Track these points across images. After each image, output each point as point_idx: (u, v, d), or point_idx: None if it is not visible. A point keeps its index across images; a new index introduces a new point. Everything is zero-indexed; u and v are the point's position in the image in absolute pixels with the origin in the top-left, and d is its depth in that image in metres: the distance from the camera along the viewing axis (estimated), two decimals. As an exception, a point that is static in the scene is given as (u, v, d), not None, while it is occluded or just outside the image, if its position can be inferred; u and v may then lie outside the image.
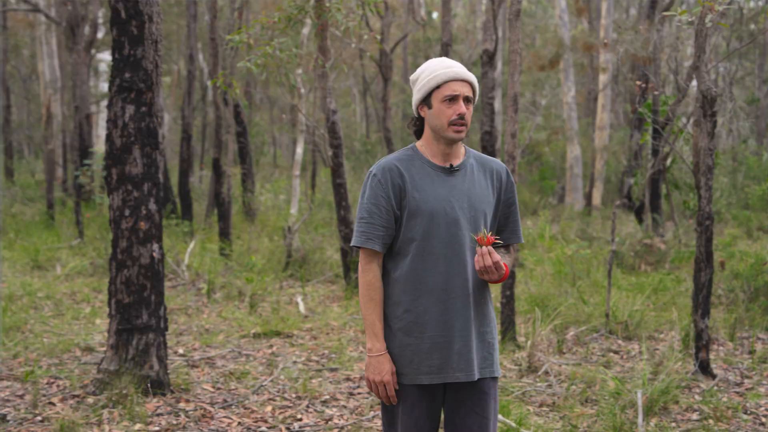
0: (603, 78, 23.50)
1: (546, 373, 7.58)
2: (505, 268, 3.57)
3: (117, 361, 6.66)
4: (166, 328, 6.86)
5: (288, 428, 6.14)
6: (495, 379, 3.78)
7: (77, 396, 6.66)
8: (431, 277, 3.64)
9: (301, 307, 10.18)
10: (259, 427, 6.17)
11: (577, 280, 10.98)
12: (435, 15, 36.00)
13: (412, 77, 3.79)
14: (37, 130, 33.40)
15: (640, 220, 15.42)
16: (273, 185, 19.57)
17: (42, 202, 21.51)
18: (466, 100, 3.68)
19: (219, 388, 7.05)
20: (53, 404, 6.50)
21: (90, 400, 6.55)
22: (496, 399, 3.79)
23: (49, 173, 19.34)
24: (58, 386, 6.96)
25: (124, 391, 6.43)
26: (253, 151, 26.14)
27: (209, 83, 10.68)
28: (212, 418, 6.33)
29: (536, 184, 24.87)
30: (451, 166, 3.73)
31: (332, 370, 7.68)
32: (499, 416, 6.10)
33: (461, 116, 3.64)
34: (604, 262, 12.53)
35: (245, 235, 15.40)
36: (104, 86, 25.77)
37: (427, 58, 25.63)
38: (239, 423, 6.24)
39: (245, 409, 6.55)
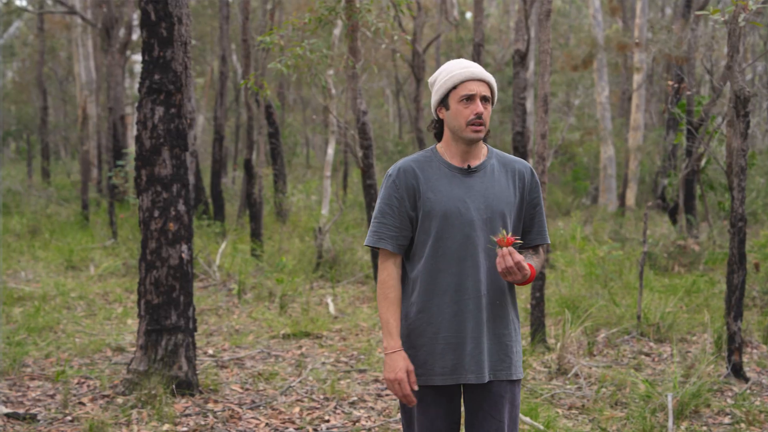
0: (637, 78, 23.32)
1: (576, 375, 7.52)
2: (529, 269, 3.54)
3: (146, 362, 6.69)
4: (195, 329, 6.88)
5: (315, 429, 6.14)
6: (513, 382, 3.73)
7: (107, 396, 6.70)
8: (444, 278, 3.64)
9: (331, 308, 10.19)
10: (287, 428, 6.17)
11: (608, 281, 10.90)
12: (468, 15, 35.92)
13: (430, 80, 3.78)
14: (73, 131, 33.71)
15: (674, 221, 15.28)
16: (305, 186, 19.62)
17: (77, 203, 21.69)
18: (484, 99, 3.66)
19: (247, 389, 7.07)
20: (83, 404, 6.55)
21: (119, 400, 6.59)
22: (513, 402, 3.74)
23: (84, 174, 19.50)
24: (88, 386, 7.00)
25: (153, 392, 6.46)
26: (286, 151, 26.22)
27: (240, 84, 10.69)
28: (240, 419, 6.34)
29: (569, 185, 24.74)
30: (469, 167, 3.71)
31: (361, 371, 7.67)
32: (527, 419, 6.06)
33: (479, 116, 3.62)
34: (637, 264, 12.43)
35: (276, 235, 15.44)
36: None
37: (459, 58, 25.54)
38: (267, 424, 6.25)
39: (273, 410, 6.56)
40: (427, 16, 32.15)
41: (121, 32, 22.32)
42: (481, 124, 3.64)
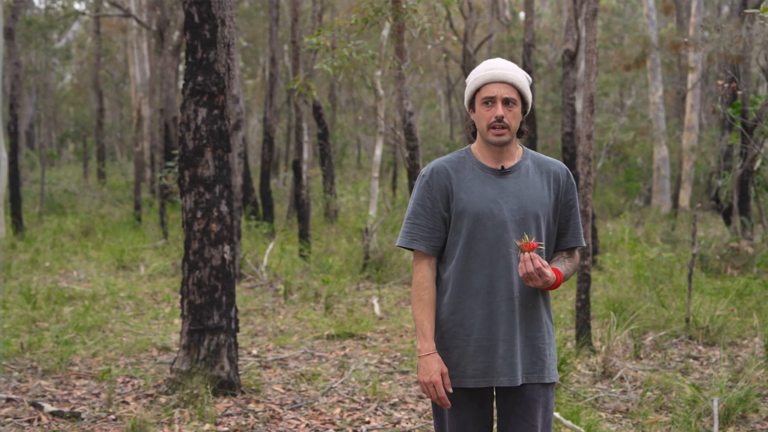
0: (692, 77, 23.00)
1: (621, 378, 7.43)
2: (553, 275, 3.49)
3: (189, 362, 6.74)
4: (237, 329, 6.91)
5: (355, 431, 6.13)
6: (546, 385, 3.69)
7: (150, 395, 6.76)
8: (476, 280, 3.61)
9: (377, 309, 10.18)
10: (327, 429, 6.17)
11: (658, 284, 10.75)
12: (522, 15, 35.71)
13: (468, 80, 3.76)
14: (128, 132, 34.14)
15: (728, 223, 15.03)
16: (353, 187, 19.62)
17: (130, 204, 21.96)
18: (508, 102, 3.61)
19: (289, 390, 7.08)
20: (127, 403, 6.61)
21: (162, 399, 6.64)
22: (547, 406, 3.70)
23: (137, 175, 19.74)
24: (132, 385, 7.07)
25: (195, 392, 6.50)
26: (336, 152, 26.29)
27: (287, 86, 10.72)
28: (281, 419, 6.35)
29: (622, 186, 24.47)
30: (503, 167, 3.67)
31: (403, 372, 7.65)
32: (569, 422, 6.00)
33: (499, 119, 3.58)
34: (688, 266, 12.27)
35: (325, 236, 15.48)
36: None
37: (511, 58, 25.42)
38: (307, 425, 6.25)
39: (314, 410, 6.56)
40: (479, 17, 32.05)
41: (175, 34, 22.55)
42: (503, 128, 3.60)
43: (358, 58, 10.15)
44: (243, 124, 12.24)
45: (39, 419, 6.17)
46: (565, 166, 3.78)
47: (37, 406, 6.38)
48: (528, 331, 3.64)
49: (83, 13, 28.90)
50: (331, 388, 7.08)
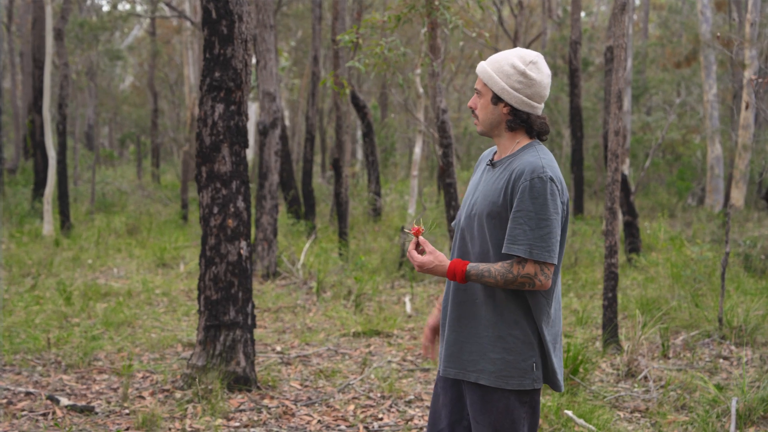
0: (747, 75, 22.52)
1: (645, 378, 7.29)
2: (432, 262, 3.52)
3: (205, 357, 6.75)
4: (254, 325, 6.91)
5: (366, 428, 6.09)
6: (504, 392, 3.54)
7: (167, 390, 6.79)
8: None
9: (408, 307, 10.13)
10: (339, 425, 6.15)
11: (696, 283, 10.54)
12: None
13: None
14: (182, 132, 34.48)
15: (777, 222, 14.71)
16: (397, 185, 19.57)
17: (179, 203, 22.16)
18: (477, 92, 3.65)
19: (306, 386, 7.07)
20: (143, 398, 6.64)
21: (178, 394, 6.67)
22: (502, 412, 3.54)
23: (185, 174, 19.90)
24: (151, 380, 7.11)
25: (210, 387, 6.51)
26: (386, 151, 26.27)
27: (320, 83, 10.72)
28: (293, 415, 6.34)
29: (675, 185, 24.08)
30: (491, 162, 3.65)
31: (424, 370, 7.59)
32: (581, 420, 5.90)
33: (472, 109, 3.64)
34: (732, 265, 12.03)
35: (366, 235, 15.46)
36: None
37: (562, 57, 25.16)
38: (319, 421, 6.23)
39: (328, 407, 6.54)
40: (531, 15, 31.84)
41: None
42: (476, 117, 3.66)
43: (390, 55, 10.10)
44: (279, 122, 12.25)
45: (54, 413, 6.23)
46: (532, 167, 3.46)
47: (54, 400, 6.44)
48: (474, 328, 3.57)
49: (139, 15, 29.29)
50: (349, 384, 7.05)
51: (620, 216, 14.78)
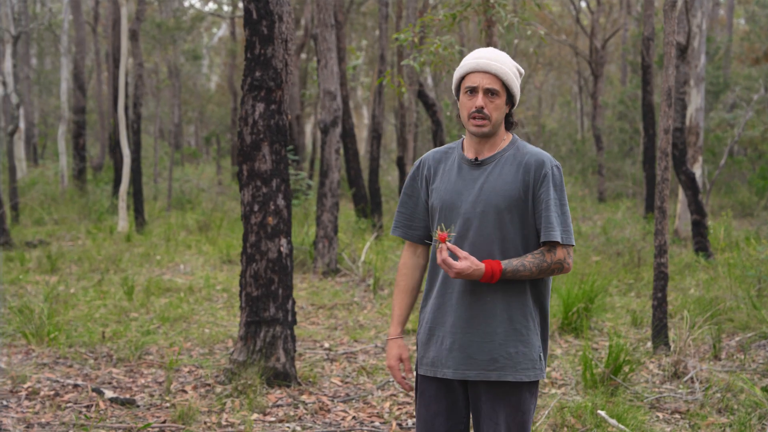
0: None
1: (692, 380, 7.17)
2: (470, 267, 3.44)
3: (245, 353, 6.86)
4: (294, 322, 7.00)
5: (399, 425, 6.12)
6: (518, 385, 3.59)
7: (208, 385, 6.92)
8: (439, 270, 3.65)
9: (463, 305, 10.10)
10: (373, 422, 6.19)
11: (761, 283, 10.29)
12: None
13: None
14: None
15: None
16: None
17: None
18: (490, 92, 3.55)
19: (347, 383, 7.12)
20: (185, 392, 6.78)
21: (218, 389, 6.79)
22: (518, 407, 3.59)
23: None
24: (196, 375, 7.24)
25: (249, 382, 6.61)
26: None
27: (377, 82, 10.76)
28: (329, 411, 6.41)
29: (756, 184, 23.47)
30: (476, 159, 3.61)
31: (469, 369, 7.57)
32: (613, 421, 5.83)
33: (479, 109, 3.53)
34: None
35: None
36: (313, 89, 26.64)
37: (641, 53, 24.74)
38: (354, 417, 6.28)
39: (365, 403, 6.58)
40: (611, 12, 31.43)
41: (300, 34, 22.96)
42: (483, 118, 3.55)
43: (445, 53, 10.09)
44: (340, 120, 12.34)
45: (97, 405, 6.40)
46: (544, 157, 3.61)
47: (99, 392, 6.61)
48: (488, 326, 3.56)
49: (219, 16, 29.73)
50: (389, 382, 7.08)
51: (688, 215, 14.54)
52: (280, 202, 6.89)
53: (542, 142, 31.11)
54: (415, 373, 3.79)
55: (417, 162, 3.78)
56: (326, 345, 8.39)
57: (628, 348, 7.56)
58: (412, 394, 6.70)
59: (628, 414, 6.03)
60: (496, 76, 3.56)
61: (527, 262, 3.54)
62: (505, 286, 3.56)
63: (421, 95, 17.05)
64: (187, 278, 11.95)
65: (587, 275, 10.09)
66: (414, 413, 3.90)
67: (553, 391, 6.94)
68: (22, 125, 28.35)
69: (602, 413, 5.94)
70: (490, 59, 3.56)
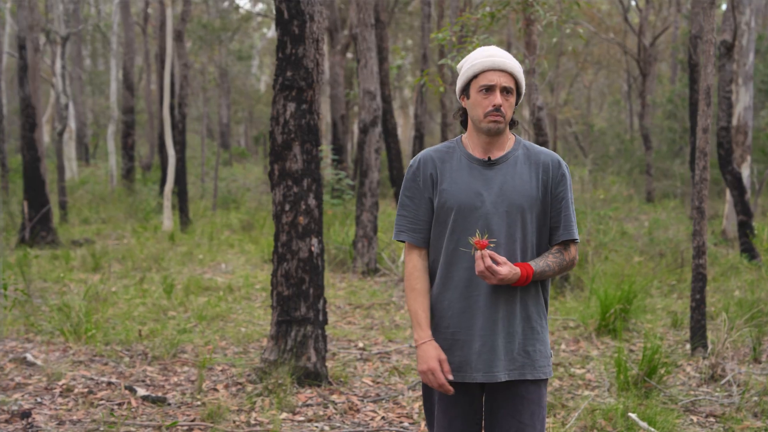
0: None
1: (729, 382, 7.05)
2: (512, 272, 3.40)
3: (276, 352, 6.87)
4: (325, 321, 7.00)
5: (428, 426, 6.09)
6: (536, 382, 3.59)
7: (240, 384, 6.94)
8: (457, 272, 3.55)
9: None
10: (402, 422, 6.17)
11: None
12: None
13: (458, 66, 3.69)
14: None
15: None
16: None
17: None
18: (505, 90, 3.53)
19: (378, 383, 7.11)
20: (216, 390, 6.81)
21: (249, 388, 6.80)
22: (538, 404, 3.60)
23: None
24: (228, 374, 7.27)
25: (280, 381, 6.62)
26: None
27: (415, 81, 10.73)
28: (358, 411, 6.40)
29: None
30: (489, 158, 3.57)
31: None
32: (644, 424, 5.75)
33: (497, 108, 3.50)
34: None
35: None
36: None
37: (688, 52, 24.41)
38: (383, 417, 6.27)
39: (395, 404, 6.56)
40: (661, 10, 31.04)
41: (345, 34, 22.97)
42: (499, 116, 3.52)
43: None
44: (380, 120, 12.32)
45: (129, 402, 6.45)
46: (557, 156, 3.65)
47: (131, 390, 6.67)
48: (510, 326, 3.54)
49: (265, 16, 29.88)
50: (420, 382, 7.05)
51: (735, 216, 14.31)
52: (311, 201, 6.89)
53: (590, 141, 30.86)
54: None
55: (414, 162, 3.67)
56: (360, 345, 8.39)
57: (665, 350, 7.48)
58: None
59: (661, 417, 5.95)
60: (511, 75, 3.54)
61: (550, 261, 3.55)
62: (536, 286, 3.59)
63: (464, 94, 16.97)
64: (228, 277, 12.01)
65: (627, 276, 9.97)
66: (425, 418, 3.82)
67: (586, 392, 6.86)
68: (73, 125, 28.74)
69: (633, 416, 5.87)
70: (504, 57, 3.55)
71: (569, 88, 34.46)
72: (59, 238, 15.17)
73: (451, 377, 3.55)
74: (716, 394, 6.81)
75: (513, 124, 3.67)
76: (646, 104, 25.22)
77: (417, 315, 3.62)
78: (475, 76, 3.56)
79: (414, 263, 3.66)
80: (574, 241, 3.64)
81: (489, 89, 3.52)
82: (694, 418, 6.28)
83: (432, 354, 3.55)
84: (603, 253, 12.02)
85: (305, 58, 6.84)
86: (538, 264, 3.52)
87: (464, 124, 3.71)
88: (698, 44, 17.30)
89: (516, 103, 3.61)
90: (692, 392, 6.87)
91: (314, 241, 6.90)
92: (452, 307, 3.56)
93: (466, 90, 3.60)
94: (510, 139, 3.65)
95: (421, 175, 3.63)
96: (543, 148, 3.67)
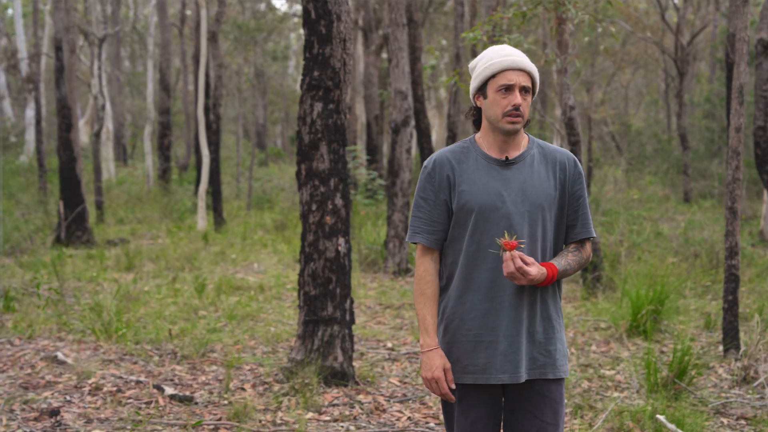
0: None
1: (762, 385, 6.95)
2: (540, 272, 3.38)
3: (303, 352, 6.88)
4: (352, 321, 6.99)
5: (453, 426, 6.06)
6: (556, 381, 3.57)
7: (267, 383, 6.95)
8: (479, 274, 3.52)
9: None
10: (428, 422, 6.15)
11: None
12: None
13: (470, 65, 3.67)
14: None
15: None
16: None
17: (333, 200, 22.54)
18: (523, 90, 3.51)
19: (405, 383, 7.09)
20: (244, 389, 6.83)
21: (276, 387, 6.82)
22: (559, 402, 3.59)
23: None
24: (256, 373, 7.29)
25: (306, 381, 6.63)
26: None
27: (445, 82, 10.70)
28: (384, 411, 6.38)
29: None
30: (507, 158, 3.55)
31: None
32: (672, 426, 5.69)
33: (516, 107, 3.48)
34: None
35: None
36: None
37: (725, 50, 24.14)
38: (409, 418, 6.25)
39: (422, 404, 6.55)
40: (699, 8, 30.73)
41: (379, 34, 22.99)
42: (518, 116, 3.50)
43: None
44: (411, 120, 12.30)
45: (156, 401, 6.49)
46: (572, 155, 3.65)
47: (159, 389, 6.70)
48: (532, 326, 3.53)
49: (300, 16, 29.91)
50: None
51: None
52: (338, 201, 6.89)
53: (628, 141, 30.61)
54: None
55: (429, 163, 3.62)
56: (389, 345, 8.37)
57: (697, 351, 7.40)
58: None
59: (690, 419, 5.88)
60: (529, 74, 3.53)
61: (570, 260, 3.56)
62: (553, 285, 3.58)
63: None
64: (260, 277, 12.05)
65: (659, 277, 9.87)
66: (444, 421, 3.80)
67: (615, 394, 6.80)
68: (111, 126, 28.99)
69: (661, 418, 5.80)
70: (521, 56, 3.53)
71: (606, 87, 34.20)
72: (94, 238, 15.31)
73: (453, 386, 3.55)
74: (748, 396, 6.73)
75: (526, 123, 3.65)
76: (683, 104, 24.97)
77: (425, 321, 3.59)
78: (493, 76, 3.53)
79: (426, 267, 3.62)
80: (589, 238, 3.64)
81: (508, 89, 3.49)
82: (725, 421, 6.20)
83: (437, 363, 3.53)
84: (636, 254, 11.91)
85: (332, 58, 6.85)
86: (560, 263, 3.52)
87: (476, 124, 3.68)
88: (735, 42, 17.13)
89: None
90: (723, 394, 6.79)
91: (341, 240, 6.90)
92: (475, 308, 3.52)
93: (482, 89, 3.58)
94: (524, 138, 3.64)
95: (437, 177, 3.59)
96: (557, 147, 3.67)
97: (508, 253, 3.34)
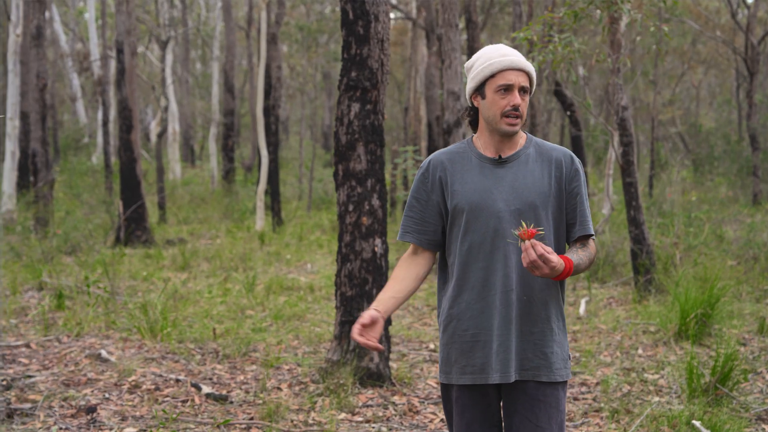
0: None
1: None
2: (560, 261, 3.28)
3: (339, 352, 6.88)
4: (389, 322, 6.97)
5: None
6: (553, 384, 3.51)
7: (303, 383, 6.97)
8: (473, 273, 3.50)
9: (581, 309, 9.85)
10: (460, 425, 6.09)
11: None
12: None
13: (467, 65, 3.64)
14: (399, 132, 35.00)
15: None
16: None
17: (389, 201, 22.56)
18: (522, 90, 3.48)
19: (442, 385, 7.04)
20: (280, 389, 6.85)
21: (311, 387, 6.83)
22: (556, 407, 3.52)
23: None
24: (294, 373, 7.31)
25: (342, 381, 6.62)
26: (598, 150, 25.62)
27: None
28: (418, 413, 6.35)
29: None
30: (500, 157, 3.52)
31: (575, 373, 7.38)
32: (704, 430, 5.56)
33: (515, 107, 3.45)
34: None
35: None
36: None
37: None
38: (441, 420, 6.21)
39: (456, 407, 6.49)
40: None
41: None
42: (517, 116, 3.48)
43: (564, 52, 9.86)
44: (464, 121, 12.23)
45: (192, 399, 6.54)
46: (569, 152, 3.60)
47: (196, 387, 6.76)
48: (526, 326, 3.48)
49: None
50: (484, 385, 6.96)
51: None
52: (375, 202, 6.87)
53: (697, 141, 30.09)
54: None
55: (424, 164, 3.64)
56: (431, 346, 8.33)
57: (746, 356, 7.23)
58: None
59: (728, 425, 5.74)
60: (527, 74, 3.51)
61: (583, 256, 3.51)
62: (543, 284, 3.49)
63: (559, 94, 16.77)
64: (312, 277, 12.10)
65: (712, 280, 9.66)
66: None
67: (655, 399, 6.68)
68: (177, 127, 29.38)
69: (697, 423, 5.68)
70: (519, 56, 3.52)
71: (674, 87, 33.68)
72: (154, 238, 15.52)
73: (371, 341, 3.45)
74: (794, 402, 6.55)
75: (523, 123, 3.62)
76: (753, 104, 24.44)
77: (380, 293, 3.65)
78: (492, 76, 3.50)
79: (407, 262, 3.66)
80: (590, 236, 3.58)
81: (507, 89, 3.46)
82: (766, 428, 6.04)
83: (366, 312, 3.49)
84: (692, 257, 11.69)
85: (370, 59, 6.84)
86: (573, 257, 3.44)
87: (472, 124, 3.66)
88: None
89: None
90: (768, 399, 6.63)
91: (378, 241, 6.88)
92: (471, 308, 3.50)
93: (480, 89, 3.55)
94: (521, 137, 3.61)
95: (429, 178, 3.61)
96: (555, 145, 3.63)
97: (526, 242, 3.25)
